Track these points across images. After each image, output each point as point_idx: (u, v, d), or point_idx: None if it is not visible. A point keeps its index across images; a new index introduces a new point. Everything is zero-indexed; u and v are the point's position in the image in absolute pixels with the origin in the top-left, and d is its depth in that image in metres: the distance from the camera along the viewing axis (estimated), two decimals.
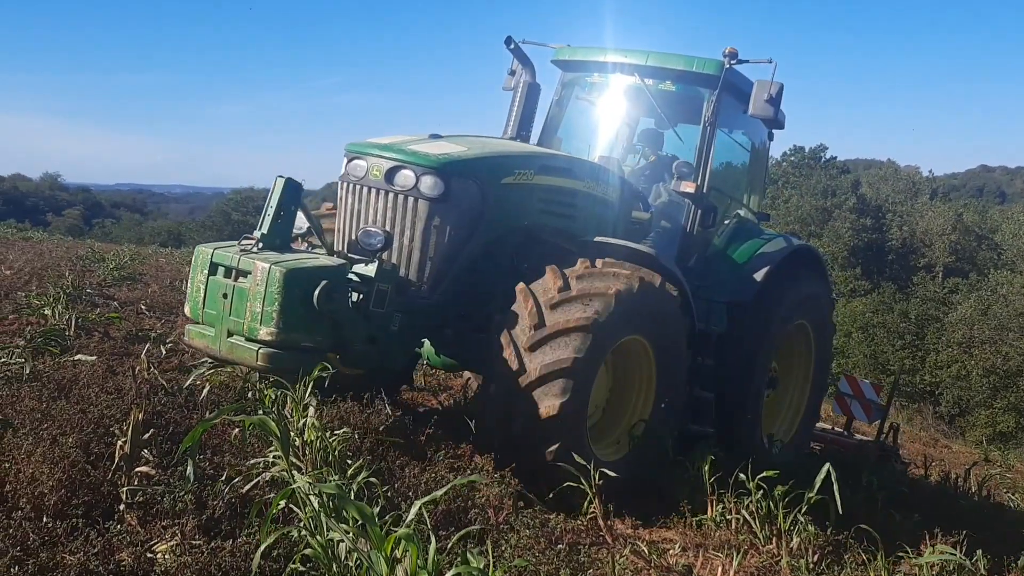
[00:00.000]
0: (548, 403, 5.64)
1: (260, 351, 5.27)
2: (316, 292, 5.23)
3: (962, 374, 32.98)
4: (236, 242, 5.73)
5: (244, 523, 3.98)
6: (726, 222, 8.73)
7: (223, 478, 4.38)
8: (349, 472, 4.36)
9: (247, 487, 4.23)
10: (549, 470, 5.68)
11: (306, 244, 6.38)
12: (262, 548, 3.51)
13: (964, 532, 6.03)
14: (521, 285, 6.03)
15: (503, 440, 5.83)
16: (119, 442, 4.28)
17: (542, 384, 5.66)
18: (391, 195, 6.24)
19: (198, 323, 5.65)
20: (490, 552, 3.51)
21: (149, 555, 3.54)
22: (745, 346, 8.00)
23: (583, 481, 5.62)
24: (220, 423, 5.05)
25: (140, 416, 4.39)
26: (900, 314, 36.77)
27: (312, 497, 3.69)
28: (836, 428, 11.50)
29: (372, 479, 4.24)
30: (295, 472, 3.87)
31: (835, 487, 5.76)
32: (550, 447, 5.62)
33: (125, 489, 4.05)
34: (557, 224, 6.89)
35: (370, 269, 5.76)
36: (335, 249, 6.14)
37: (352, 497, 3.74)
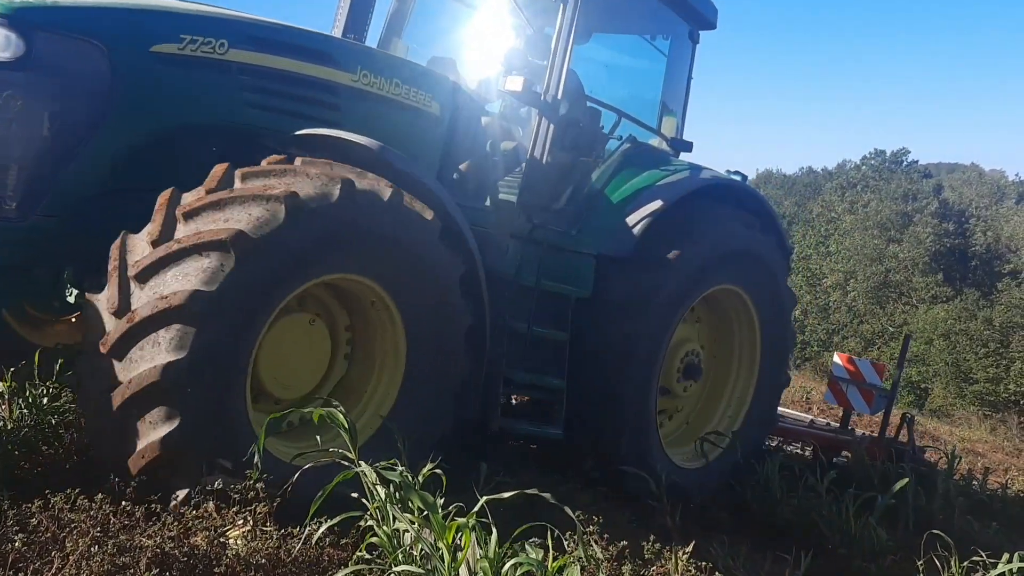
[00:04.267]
0: (149, 439, 3.75)
1: None
2: None
3: None
4: None
5: (315, 511, 4.08)
6: (614, 147, 6.47)
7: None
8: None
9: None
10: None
11: None
12: (320, 532, 3.60)
13: None
14: (117, 241, 3.98)
15: (121, 468, 3.81)
16: None
17: (136, 407, 3.73)
18: None
19: None
20: (551, 545, 3.53)
21: (222, 540, 3.65)
22: (619, 318, 5.84)
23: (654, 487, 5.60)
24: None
25: None
26: (984, 321, 35.61)
27: (379, 487, 3.77)
28: (831, 422, 9.21)
29: (438, 471, 4.29)
30: (361, 462, 3.94)
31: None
32: (177, 488, 3.83)
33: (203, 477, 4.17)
34: (295, 128, 4.76)
35: None
36: None
37: (418, 488, 3.80)
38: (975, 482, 8.34)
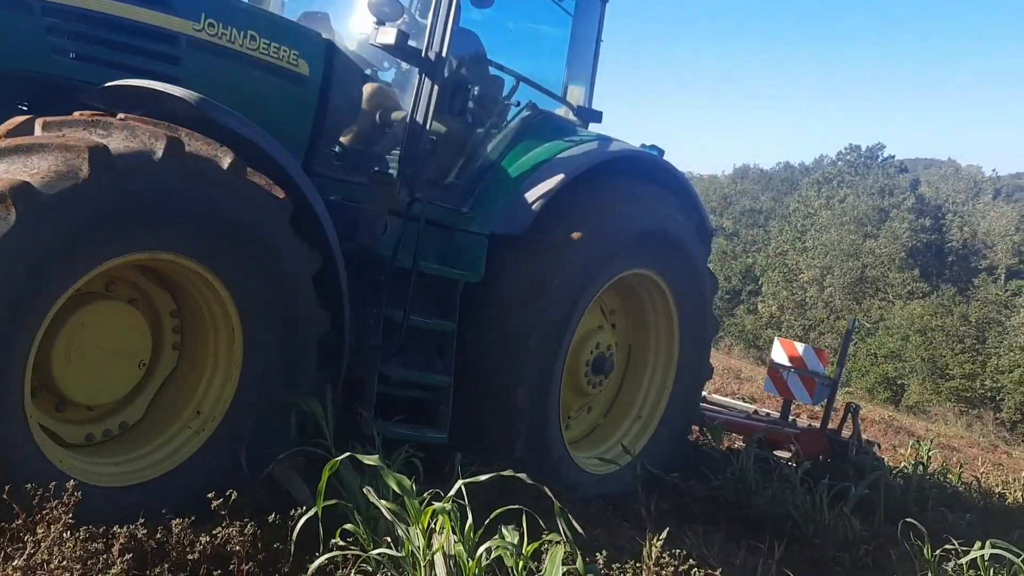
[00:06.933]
0: None
1: None
2: None
3: None
4: None
5: (292, 501, 4.07)
6: (514, 115, 5.77)
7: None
8: (393, 456, 4.42)
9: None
10: None
11: None
12: (301, 522, 3.57)
13: (1017, 533, 5.97)
14: None
15: None
16: None
17: None
18: None
19: None
20: (526, 529, 3.53)
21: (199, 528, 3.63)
22: (515, 306, 5.19)
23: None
24: None
25: None
26: (960, 317, 35.97)
27: (354, 473, 3.77)
28: (772, 413, 8.48)
29: (413, 459, 4.29)
30: (336, 450, 3.94)
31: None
32: None
33: None
34: (119, 80, 4.02)
35: None
36: None
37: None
38: (950, 475, 8.44)
